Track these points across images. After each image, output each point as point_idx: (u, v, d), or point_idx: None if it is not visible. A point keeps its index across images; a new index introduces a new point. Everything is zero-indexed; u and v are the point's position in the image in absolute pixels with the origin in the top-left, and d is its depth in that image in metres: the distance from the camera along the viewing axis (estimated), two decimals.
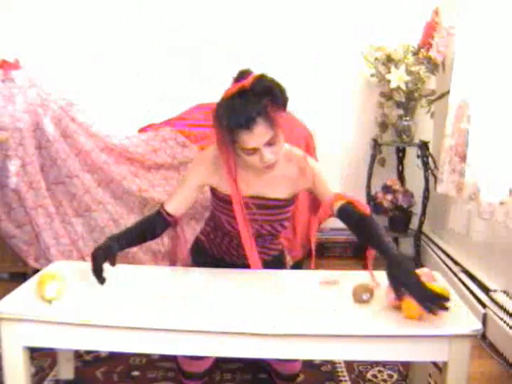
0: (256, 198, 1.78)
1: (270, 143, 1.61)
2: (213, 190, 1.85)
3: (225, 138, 1.63)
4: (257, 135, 1.57)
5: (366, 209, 1.69)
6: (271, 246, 1.97)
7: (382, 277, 1.72)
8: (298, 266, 2.83)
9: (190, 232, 2.71)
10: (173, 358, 1.99)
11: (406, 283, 1.44)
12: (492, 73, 2.20)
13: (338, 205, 1.72)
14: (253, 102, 1.56)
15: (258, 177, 1.77)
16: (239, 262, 1.92)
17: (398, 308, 1.53)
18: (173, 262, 2.05)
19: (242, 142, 1.60)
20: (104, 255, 1.66)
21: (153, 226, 1.82)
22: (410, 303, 1.45)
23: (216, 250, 1.98)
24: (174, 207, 1.81)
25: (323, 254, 3.44)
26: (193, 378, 1.90)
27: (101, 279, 1.64)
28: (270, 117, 1.56)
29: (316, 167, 1.82)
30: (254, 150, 1.61)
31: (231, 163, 1.71)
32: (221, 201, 1.82)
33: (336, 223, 3.32)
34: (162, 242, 2.93)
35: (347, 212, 1.71)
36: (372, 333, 1.46)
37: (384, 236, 1.60)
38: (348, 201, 1.72)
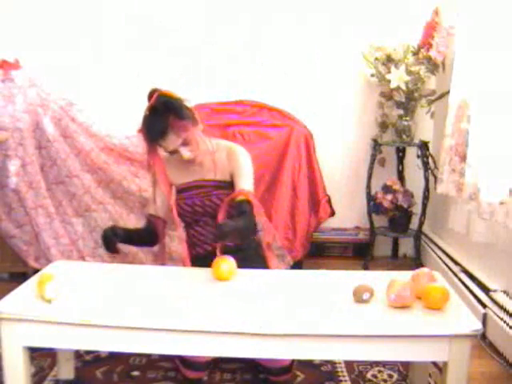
0: (196, 181, 2.07)
1: (184, 144, 1.96)
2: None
3: (150, 146, 2.00)
4: (170, 142, 1.95)
5: (259, 209, 2.01)
6: None
7: (382, 277, 1.73)
8: (298, 265, 2.83)
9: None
10: (173, 358, 1.99)
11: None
12: (492, 73, 2.20)
13: (237, 200, 1.95)
14: (159, 119, 1.91)
15: (197, 167, 2.06)
16: (210, 248, 2.02)
17: (398, 308, 1.53)
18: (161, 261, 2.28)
19: (163, 148, 1.99)
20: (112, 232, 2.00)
21: (147, 231, 2.13)
22: (431, 292, 1.47)
23: (194, 248, 2.10)
24: (155, 208, 2.12)
25: (323, 254, 3.44)
26: (195, 368, 1.90)
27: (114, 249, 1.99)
28: (176, 127, 1.92)
29: (242, 157, 2.07)
30: (175, 151, 1.98)
31: (160, 162, 2.07)
32: (175, 193, 2.12)
33: (336, 223, 3.36)
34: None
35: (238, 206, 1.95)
36: (372, 333, 1.46)
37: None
38: (247, 199, 1.94)
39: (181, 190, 2.10)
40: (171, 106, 1.94)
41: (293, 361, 1.97)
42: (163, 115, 1.91)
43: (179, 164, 2.06)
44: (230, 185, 2.07)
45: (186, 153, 1.98)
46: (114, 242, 1.99)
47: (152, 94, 1.97)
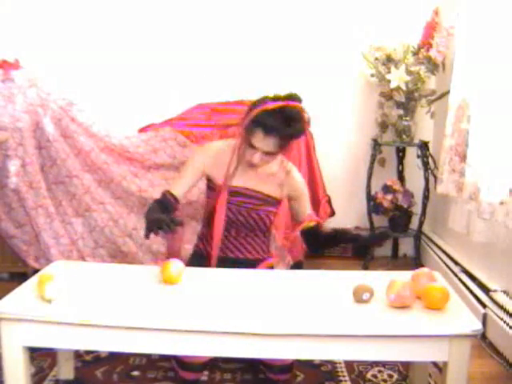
0: (245, 188, 2.03)
1: (267, 153, 1.91)
2: (208, 182, 2.09)
3: (247, 131, 1.90)
4: (265, 142, 1.88)
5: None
6: (260, 247, 2.10)
7: (382, 277, 1.73)
8: (298, 266, 2.83)
9: (190, 231, 2.71)
10: (172, 357, 1.99)
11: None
12: (492, 73, 2.20)
13: (309, 224, 2.06)
14: (287, 125, 1.86)
15: (250, 172, 2.02)
16: (232, 256, 2.04)
17: (398, 308, 1.53)
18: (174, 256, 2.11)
19: (254, 137, 1.89)
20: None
21: (164, 208, 1.95)
22: (431, 292, 1.47)
23: (210, 246, 2.06)
24: (180, 191, 2.01)
25: (323, 254, 3.44)
26: (191, 369, 1.90)
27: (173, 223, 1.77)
28: (284, 143, 1.90)
29: (302, 182, 2.13)
30: (255, 149, 1.90)
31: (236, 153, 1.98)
32: (213, 191, 2.05)
33: (336, 223, 3.35)
34: (163, 242, 2.93)
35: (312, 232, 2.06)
36: (372, 333, 1.46)
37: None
38: (316, 222, 2.08)
39: (228, 191, 2.02)
40: (303, 131, 1.95)
41: (293, 360, 1.97)
42: (292, 129, 1.87)
43: (240, 165, 2.00)
44: (277, 202, 2.07)
45: (256, 159, 1.92)
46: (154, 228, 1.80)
47: (297, 99, 1.91)
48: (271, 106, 1.87)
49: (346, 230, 2.15)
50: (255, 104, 1.92)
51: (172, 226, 1.75)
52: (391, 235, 2.00)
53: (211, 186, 2.07)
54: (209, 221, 2.08)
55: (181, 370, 1.92)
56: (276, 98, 1.90)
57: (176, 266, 1.76)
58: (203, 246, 2.12)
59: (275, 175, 2.05)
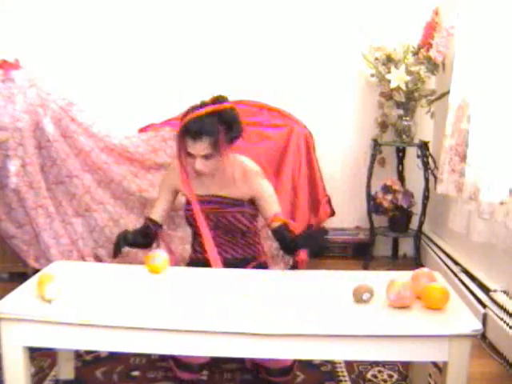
0: (211, 195, 2.06)
1: (206, 157, 1.93)
2: (184, 197, 2.13)
3: (180, 142, 1.96)
4: (197, 147, 1.91)
5: (296, 229, 2.01)
6: (246, 247, 2.10)
7: (382, 277, 1.73)
8: (297, 266, 2.83)
9: (188, 240, 2.71)
10: (169, 357, 1.99)
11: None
12: (492, 73, 2.20)
13: (274, 225, 2.00)
14: (209, 123, 1.90)
15: (208, 179, 2.05)
16: (220, 257, 2.04)
17: (398, 308, 1.53)
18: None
19: (188, 146, 1.93)
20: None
21: (145, 234, 2.10)
22: (431, 292, 1.47)
23: (200, 251, 2.09)
24: (158, 215, 2.11)
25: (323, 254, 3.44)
26: (188, 369, 1.90)
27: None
28: (216, 140, 1.90)
29: (263, 183, 2.06)
30: (193, 157, 1.94)
31: (185, 167, 2.02)
32: (186, 203, 2.11)
33: (336, 223, 3.36)
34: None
35: (281, 233, 2.00)
36: (372, 333, 1.46)
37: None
38: (284, 222, 2.01)
39: (200, 202, 2.07)
40: (232, 123, 1.94)
41: (294, 362, 1.97)
42: (216, 123, 1.91)
43: (192, 172, 2.04)
44: (246, 203, 2.06)
45: (198, 165, 1.95)
46: (121, 247, 2.02)
47: (220, 100, 1.96)
48: (195, 112, 1.92)
49: (312, 231, 2.10)
50: (184, 114, 1.97)
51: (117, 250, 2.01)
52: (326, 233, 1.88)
53: (187, 200, 2.11)
54: (194, 231, 2.12)
55: (178, 370, 1.91)
56: (202, 104, 1.95)
57: (160, 255, 1.84)
58: (199, 254, 2.11)
59: (232, 176, 2.04)
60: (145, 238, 2.08)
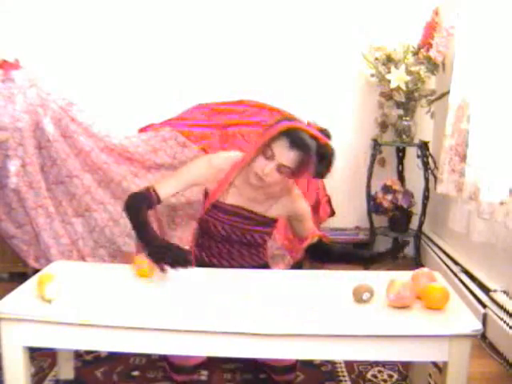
0: (242, 208, 1.96)
1: (280, 169, 1.80)
2: (206, 195, 2.00)
3: (269, 140, 1.79)
4: (286, 154, 1.77)
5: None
6: (255, 256, 2.07)
7: (382, 277, 1.73)
8: (297, 266, 2.83)
9: (190, 232, 2.71)
10: (163, 359, 1.98)
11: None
12: (492, 73, 2.20)
13: (313, 240, 2.04)
14: (312, 144, 1.79)
15: (250, 192, 1.93)
16: (227, 264, 2.01)
17: (398, 308, 1.53)
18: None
19: (276, 145, 1.78)
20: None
21: (140, 201, 1.91)
22: (431, 292, 1.50)
23: (205, 253, 2.05)
24: (165, 192, 1.92)
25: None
26: (182, 372, 1.89)
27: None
28: (306, 162, 1.79)
29: (305, 203, 2.05)
30: (271, 159, 1.79)
31: (238, 166, 1.90)
32: (213, 206, 1.96)
33: (336, 223, 3.35)
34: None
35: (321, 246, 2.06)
36: (372, 333, 1.46)
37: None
38: (320, 236, 2.05)
39: (221, 209, 1.96)
40: (327, 157, 1.83)
41: (297, 360, 1.96)
42: (313, 151, 1.79)
43: (241, 183, 1.93)
44: (273, 222, 2.02)
45: (268, 170, 1.79)
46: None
47: (325, 132, 1.88)
48: (305, 127, 1.81)
49: (359, 250, 2.17)
50: (286, 118, 1.86)
51: (183, 261, 1.67)
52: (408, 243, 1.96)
53: (209, 199, 1.99)
54: (204, 231, 2.05)
55: (173, 373, 1.91)
56: (308, 123, 1.86)
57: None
58: (202, 253, 2.07)
59: (275, 196, 1.96)
60: (142, 205, 1.91)
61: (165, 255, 1.68)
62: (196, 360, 1.87)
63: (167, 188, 1.94)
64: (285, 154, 1.77)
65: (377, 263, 2.05)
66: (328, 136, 1.88)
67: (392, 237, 3.48)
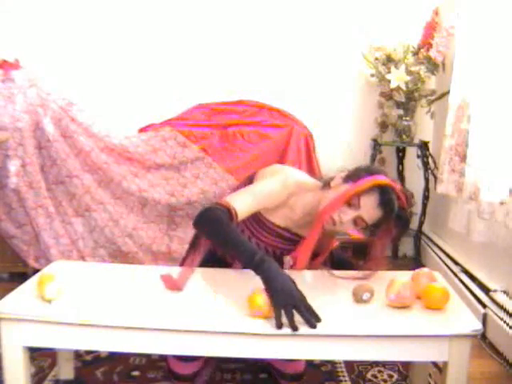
0: (288, 231, 1.88)
1: (357, 222, 1.74)
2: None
3: (359, 191, 1.71)
4: (370, 211, 1.72)
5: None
6: None
7: (382, 277, 1.73)
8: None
9: (192, 231, 2.71)
10: (165, 360, 1.98)
11: None
12: (492, 73, 2.20)
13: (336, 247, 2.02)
14: (395, 210, 1.76)
15: (303, 217, 1.85)
16: (238, 266, 1.93)
17: (398, 308, 1.53)
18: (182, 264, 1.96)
19: (365, 198, 1.72)
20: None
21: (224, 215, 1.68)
22: (431, 292, 1.50)
23: (230, 257, 1.96)
24: (242, 214, 1.72)
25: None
26: (182, 379, 1.89)
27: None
28: (380, 223, 1.76)
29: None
30: (354, 209, 1.72)
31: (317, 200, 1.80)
32: (255, 219, 1.83)
33: None
34: (163, 243, 2.93)
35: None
36: (372, 333, 1.45)
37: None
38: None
39: (265, 226, 1.86)
40: (406, 220, 1.85)
41: (305, 369, 1.95)
42: (398, 219, 1.78)
43: (298, 208, 1.83)
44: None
45: (346, 220, 1.72)
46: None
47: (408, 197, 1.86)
48: (396, 188, 1.79)
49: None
50: (379, 171, 1.82)
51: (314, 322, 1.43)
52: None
53: (257, 215, 1.83)
54: None
55: (173, 379, 1.91)
56: (393, 180, 1.83)
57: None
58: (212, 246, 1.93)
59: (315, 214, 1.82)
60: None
61: (299, 311, 1.43)
62: (196, 368, 1.86)
63: (246, 213, 1.74)
64: (370, 210, 1.72)
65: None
66: (409, 200, 1.86)
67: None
